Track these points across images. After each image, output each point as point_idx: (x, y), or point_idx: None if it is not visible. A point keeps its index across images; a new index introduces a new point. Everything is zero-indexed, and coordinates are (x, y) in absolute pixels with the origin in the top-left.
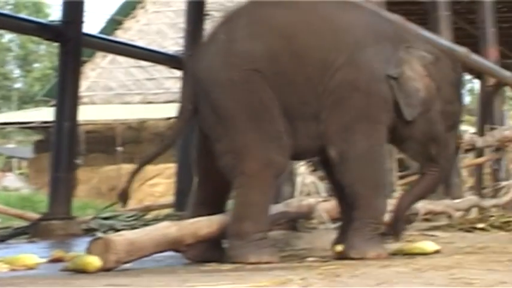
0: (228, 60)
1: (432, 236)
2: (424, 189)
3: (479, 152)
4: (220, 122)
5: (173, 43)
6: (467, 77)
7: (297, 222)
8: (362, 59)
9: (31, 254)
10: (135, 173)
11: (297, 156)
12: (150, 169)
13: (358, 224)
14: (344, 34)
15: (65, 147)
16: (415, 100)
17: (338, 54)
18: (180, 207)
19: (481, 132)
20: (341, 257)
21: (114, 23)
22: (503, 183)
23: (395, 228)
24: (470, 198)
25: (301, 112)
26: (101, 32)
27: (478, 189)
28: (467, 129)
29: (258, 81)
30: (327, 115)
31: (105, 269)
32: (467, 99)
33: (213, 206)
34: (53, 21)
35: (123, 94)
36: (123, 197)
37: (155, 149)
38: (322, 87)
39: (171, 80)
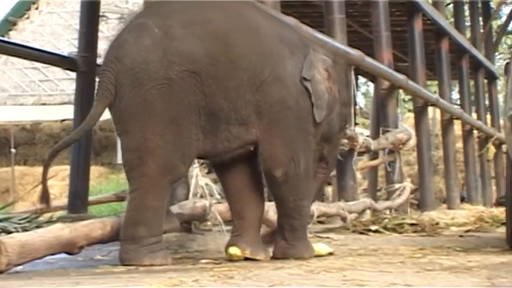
0: (168, 58)
1: (326, 238)
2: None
3: (374, 155)
4: (139, 117)
5: (68, 44)
6: (362, 80)
7: (191, 224)
8: (285, 73)
9: None
10: (47, 164)
11: (211, 156)
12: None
13: (298, 232)
14: (267, 45)
15: None
16: (324, 102)
17: (264, 65)
18: (74, 209)
19: (375, 135)
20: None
21: (8, 24)
22: (397, 185)
23: None
24: (364, 201)
25: (228, 117)
26: None
27: (372, 191)
28: (362, 132)
29: (193, 83)
30: (269, 137)
31: None
32: (362, 102)
33: None
34: None
35: (17, 95)
36: (45, 197)
37: (68, 136)
38: (251, 96)
39: (66, 82)
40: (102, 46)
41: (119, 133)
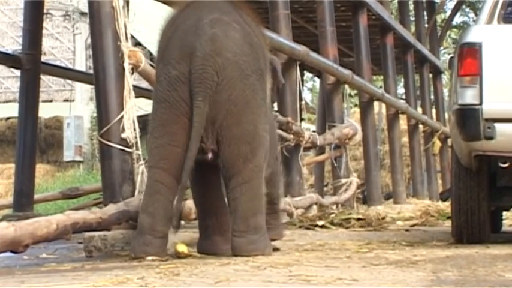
0: (256, 51)
1: None
2: None
3: (320, 150)
4: (250, 108)
5: (12, 42)
6: (308, 75)
7: (137, 221)
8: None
9: None
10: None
11: None
12: None
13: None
14: None
15: None
16: None
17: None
18: (19, 207)
19: (321, 130)
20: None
21: None
22: (343, 180)
23: None
24: (310, 196)
25: None
26: None
27: (319, 186)
28: (308, 127)
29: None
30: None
31: None
32: (308, 97)
33: None
34: None
35: None
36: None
37: (189, 151)
38: None
39: (11, 80)
40: (47, 43)
41: (227, 125)
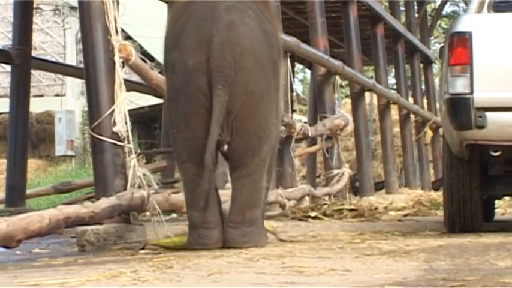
0: (270, 39)
1: None
2: None
3: (312, 141)
4: (265, 101)
5: (2, 37)
6: (299, 66)
7: (129, 214)
8: None
9: None
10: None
11: None
12: None
13: None
14: None
15: None
16: None
17: None
18: (11, 202)
19: (312, 121)
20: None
21: None
22: (335, 171)
23: None
24: (302, 187)
25: None
26: None
27: (311, 178)
28: (300, 119)
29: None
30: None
31: None
32: (299, 88)
33: None
34: None
35: None
36: None
37: (210, 136)
38: None
39: (1, 75)
40: (37, 38)
41: (242, 117)
